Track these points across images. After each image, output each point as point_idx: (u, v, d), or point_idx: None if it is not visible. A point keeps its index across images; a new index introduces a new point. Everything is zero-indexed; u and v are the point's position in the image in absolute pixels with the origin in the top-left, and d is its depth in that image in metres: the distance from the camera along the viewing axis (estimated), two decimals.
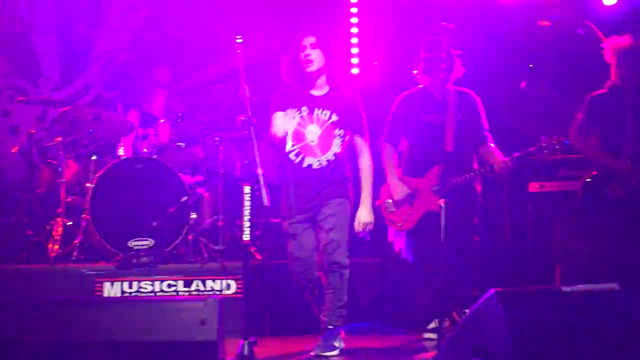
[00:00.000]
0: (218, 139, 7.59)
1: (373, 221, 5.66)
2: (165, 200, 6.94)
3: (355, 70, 8.51)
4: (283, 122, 5.40)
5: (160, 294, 6.41)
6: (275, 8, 8.98)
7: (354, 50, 8.64)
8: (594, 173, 6.28)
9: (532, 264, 7.25)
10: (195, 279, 6.50)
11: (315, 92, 5.62)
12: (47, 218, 7.29)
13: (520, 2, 8.02)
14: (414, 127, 6.23)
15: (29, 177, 7.73)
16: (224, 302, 4.19)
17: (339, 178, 5.57)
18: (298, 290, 5.79)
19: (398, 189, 6.18)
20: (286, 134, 5.47)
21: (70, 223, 7.05)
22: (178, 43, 9.37)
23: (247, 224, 4.80)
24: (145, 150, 7.51)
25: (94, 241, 6.89)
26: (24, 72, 9.08)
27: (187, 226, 6.99)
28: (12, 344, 3.81)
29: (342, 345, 5.57)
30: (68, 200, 7.13)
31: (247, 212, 4.81)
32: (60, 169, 7.13)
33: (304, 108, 5.56)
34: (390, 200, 6.23)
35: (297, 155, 5.54)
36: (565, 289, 3.91)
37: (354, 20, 8.70)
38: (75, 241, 6.88)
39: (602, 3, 7.58)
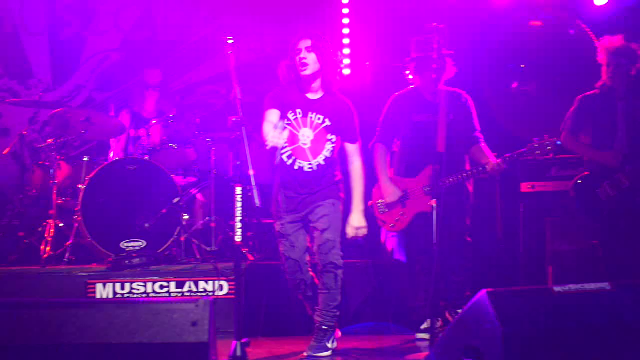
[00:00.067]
0: (210, 140, 7.59)
1: (366, 226, 5.66)
2: (157, 202, 6.94)
3: (347, 71, 8.51)
4: (276, 136, 5.25)
5: (153, 295, 6.39)
6: (266, 9, 8.99)
7: (346, 51, 8.64)
8: (586, 173, 6.30)
9: (524, 264, 7.26)
10: (187, 280, 6.49)
11: (311, 96, 5.61)
12: (39, 220, 7.28)
13: (512, 2, 8.03)
14: (406, 128, 6.24)
15: (21, 179, 7.73)
16: (217, 303, 4.19)
17: (330, 181, 5.58)
18: (290, 291, 5.79)
19: (389, 191, 6.18)
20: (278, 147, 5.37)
21: (62, 225, 7.05)
22: (169, 44, 9.37)
23: (238, 225, 4.80)
24: (137, 151, 7.52)
25: (86, 243, 6.89)
26: (14, 74, 9.07)
27: (179, 227, 6.99)
28: (3, 347, 3.80)
29: (335, 345, 5.58)
30: (60, 201, 7.13)
31: (238, 213, 4.81)
32: (52, 171, 7.12)
33: (298, 110, 5.55)
34: (382, 201, 6.23)
35: (289, 157, 5.54)
36: (556, 289, 3.92)
37: (346, 20, 8.70)
38: (67, 243, 6.88)
39: (592, 3, 7.60)
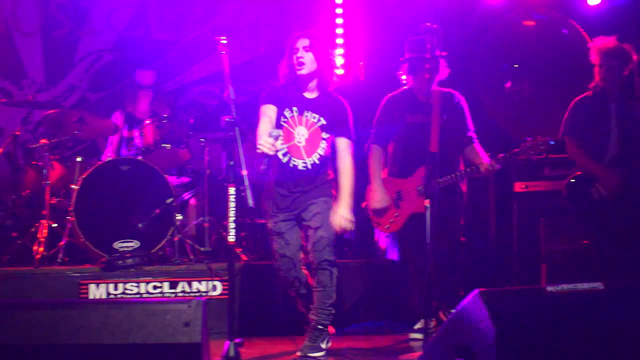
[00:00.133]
0: (203, 140, 7.58)
1: (353, 221, 5.61)
2: (150, 202, 6.92)
3: (340, 71, 8.51)
4: (268, 143, 5.20)
5: (146, 295, 6.39)
6: (260, 9, 8.98)
7: (339, 51, 8.64)
8: (578, 173, 6.31)
9: (518, 264, 7.27)
10: (181, 281, 6.49)
11: (307, 95, 5.61)
12: (32, 220, 7.26)
13: (505, 2, 8.04)
14: (400, 128, 6.24)
15: (14, 179, 7.71)
16: (210, 303, 4.19)
17: (323, 179, 5.57)
18: (284, 290, 5.80)
19: (377, 197, 6.16)
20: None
21: (55, 225, 7.02)
22: (163, 44, 9.36)
23: (232, 225, 4.80)
24: (130, 151, 7.51)
25: (79, 243, 6.87)
26: (7, 74, 9.05)
27: (172, 227, 6.98)
28: None
29: (329, 345, 5.58)
30: (53, 202, 7.11)
31: (232, 213, 4.80)
32: (45, 171, 7.10)
33: (294, 108, 5.55)
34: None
35: (284, 155, 5.53)
36: (549, 288, 3.92)
37: (339, 20, 8.70)
38: (60, 243, 6.85)
39: (586, 3, 7.61)
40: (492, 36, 7.97)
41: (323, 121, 5.57)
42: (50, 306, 3.95)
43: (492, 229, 7.70)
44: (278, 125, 5.48)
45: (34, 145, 7.46)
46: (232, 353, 4.65)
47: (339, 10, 8.73)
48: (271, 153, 5.08)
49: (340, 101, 5.65)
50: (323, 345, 5.51)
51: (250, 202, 4.77)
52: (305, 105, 5.57)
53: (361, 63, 8.57)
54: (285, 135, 5.48)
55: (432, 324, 5.86)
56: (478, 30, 7.90)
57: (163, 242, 6.93)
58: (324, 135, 5.58)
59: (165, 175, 7.06)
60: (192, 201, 7.69)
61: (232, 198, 4.79)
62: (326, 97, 5.63)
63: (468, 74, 7.44)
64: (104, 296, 6.34)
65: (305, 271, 5.66)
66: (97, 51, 9.32)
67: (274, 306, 6.51)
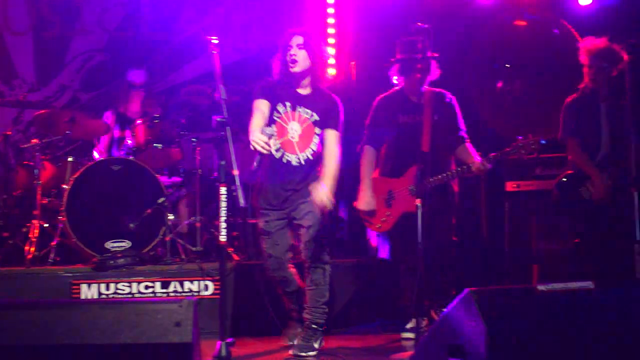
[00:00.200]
0: (195, 140, 7.58)
1: (333, 201, 5.45)
2: (142, 202, 6.92)
3: (332, 71, 8.51)
4: (262, 140, 5.18)
5: (138, 295, 6.37)
6: (251, 8, 8.98)
7: (331, 51, 8.64)
8: (569, 172, 6.32)
9: (510, 263, 7.28)
10: (172, 281, 6.48)
11: (300, 91, 5.62)
12: (23, 220, 7.25)
13: (496, 2, 8.05)
14: (392, 129, 6.24)
15: (5, 179, 7.70)
16: (202, 303, 4.18)
17: (315, 177, 5.56)
18: (271, 286, 5.81)
19: (365, 200, 6.17)
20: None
21: (47, 225, 7.02)
22: (154, 44, 9.36)
23: (223, 225, 4.80)
24: (121, 151, 7.50)
25: (70, 243, 6.86)
26: None
27: (164, 227, 6.97)
28: None
29: (322, 345, 5.59)
30: (44, 202, 7.10)
31: (223, 213, 4.80)
32: (36, 171, 7.09)
33: (287, 103, 5.56)
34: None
35: (277, 150, 5.53)
36: (540, 287, 3.93)
37: (331, 20, 8.70)
38: (52, 243, 6.85)
39: (577, 3, 7.62)
40: (484, 36, 7.98)
41: (316, 117, 5.58)
42: (41, 306, 3.94)
43: (484, 228, 7.72)
44: (271, 120, 5.49)
45: (25, 145, 7.46)
46: (223, 353, 4.64)
47: (330, 10, 8.73)
48: (264, 152, 5.08)
49: (333, 97, 5.67)
50: (316, 345, 5.52)
51: (242, 201, 4.77)
52: (298, 101, 5.58)
53: (353, 63, 8.57)
54: (278, 131, 5.49)
55: (424, 323, 5.88)
56: (469, 29, 7.91)
57: (155, 242, 6.93)
58: (317, 130, 5.60)
59: (157, 175, 7.05)
60: (184, 195, 7.67)
61: (223, 198, 4.78)
62: (319, 94, 5.64)
63: (460, 74, 7.45)
64: (95, 296, 6.32)
65: (292, 269, 5.70)
66: (89, 51, 9.31)
67: (265, 306, 6.50)
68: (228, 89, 5.05)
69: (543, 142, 5.85)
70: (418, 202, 5.21)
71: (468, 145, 6.22)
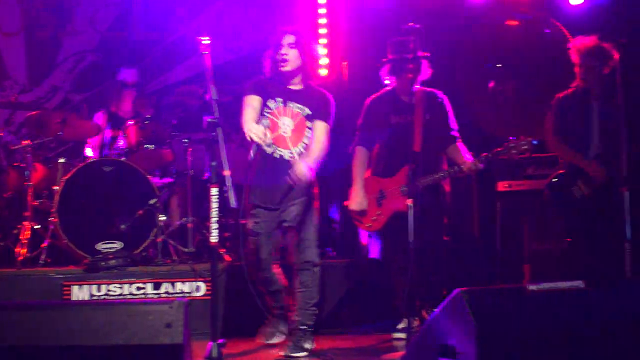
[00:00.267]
0: (186, 140, 7.57)
1: (307, 177, 5.41)
2: (133, 203, 6.90)
3: (324, 71, 8.49)
4: (260, 132, 5.20)
5: (130, 297, 6.36)
6: (243, 9, 8.97)
7: (323, 51, 8.62)
8: (561, 172, 6.34)
9: (501, 263, 7.29)
10: (164, 282, 6.47)
11: (291, 87, 5.63)
12: (14, 221, 7.23)
13: (488, 2, 8.05)
14: (384, 129, 6.24)
15: None
16: (194, 304, 4.18)
17: None
18: (254, 283, 5.82)
19: (357, 200, 6.17)
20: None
21: (38, 226, 7.00)
22: (146, 45, 9.34)
23: (214, 225, 4.79)
24: (113, 152, 7.48)
25: (61, 244, 6.84)
26: None
27: (155, 228, 6.96)
28: None
29: (313, 346, 5.58)
30: (35, 203, 7.09)
31: (214, 214, 4.79)
32: (27, 172, 7.08)
33: (279, 99, 5.57)
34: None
35: (268, 146, 5.53)
36: (530, 287, 3.93)
37: (322, 20, 8.69)
38: (43, 244, 6.83)
39: (568, 2, 7.63)
40: (475, 36, 7.98)
41: (308, 111, 5.60)
42: (33, 308, 3.94)
43: (476, 228, 7.72)
44: (262, 116, 5.50)
45: (16, 147, 7.44)
46: (214, 354, 4.63)
47: (322, 10, 8.72)
48: (261, 142, 5.14)
49: (324, 93, 5.69)
50: (307, 346, 5.51)
51: (233, 202, 4.76)
52: (290, 96, 5.59)
53: (345, 63, 8.57)
54: (270, 126, 5.49)
55: (415, 323, 5.90)
56: (461, 29, 7.91)
57: (146, 243, 6.91)
58: (309, 124, 5.61)
59: (148, 176, 7.04)
60: (175, 196, 7.67)
61: (214, 199, 4.78)
62: (310, 89, 5.67)
63: (451, 74, 7.45)
64: (87, 297, 6.31)
65: (276, 269, 5.75)
66: (81, 51, 9.30)
67: (257, 307, 6.49)
68: (220, 89, 5.04)
69: (535, 142, 5.86)
70: (410, 202, 5.22)
71: (460, 144, 6.22)
